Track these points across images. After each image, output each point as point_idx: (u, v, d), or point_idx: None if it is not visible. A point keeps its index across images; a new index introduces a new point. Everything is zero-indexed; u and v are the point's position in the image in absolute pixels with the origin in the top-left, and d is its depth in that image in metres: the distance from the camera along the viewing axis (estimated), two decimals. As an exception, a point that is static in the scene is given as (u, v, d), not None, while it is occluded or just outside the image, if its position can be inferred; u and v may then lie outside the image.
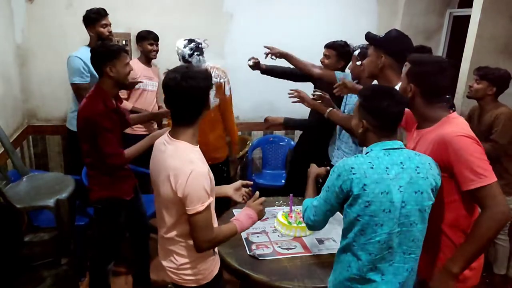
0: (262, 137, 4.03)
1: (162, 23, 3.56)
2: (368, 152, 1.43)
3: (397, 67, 1.97)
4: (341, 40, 2.78)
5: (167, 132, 1.57)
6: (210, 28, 3.69)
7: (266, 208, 2.37)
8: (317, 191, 1.86)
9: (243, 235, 2.07)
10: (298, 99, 2.50)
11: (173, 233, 1.55)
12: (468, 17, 3.17)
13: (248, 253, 1.92)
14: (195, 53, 2.51)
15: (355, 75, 2.63)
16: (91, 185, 2.17)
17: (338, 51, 2.76)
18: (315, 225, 1.56)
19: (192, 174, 1.41)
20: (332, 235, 2.12)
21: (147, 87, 3.30)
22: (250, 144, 3.83)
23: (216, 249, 1.67)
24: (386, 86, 1.61)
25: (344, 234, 1.46)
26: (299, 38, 3.70)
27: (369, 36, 2.04)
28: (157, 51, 3.35)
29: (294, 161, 3.28)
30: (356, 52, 2.60)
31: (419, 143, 1.55)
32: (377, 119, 1.42)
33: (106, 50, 2.06)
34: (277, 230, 2.14)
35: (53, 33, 3.36)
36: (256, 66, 2.88)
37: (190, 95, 1.45)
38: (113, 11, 3.48)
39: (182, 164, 1.44)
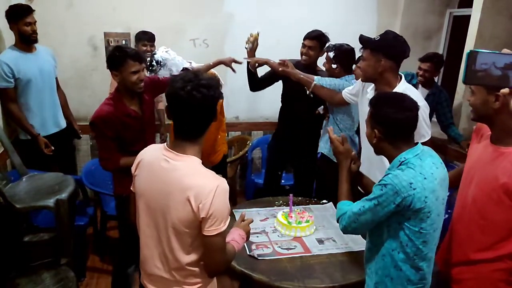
0: (261, 137, 4.02)
1: (162, 23, 3.56)
2: (403, 161, 1.38)
3: (396, 69, 1.99)
4: (318, 30, 2.77)
5: (165, 145, 1.39)
6: (210, 28, 3.69)
7: (266, 208, 2.40)
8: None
9: (243, 235, 2.07)
10: (285, 68, 2.54)
11: (183, 262, 1.36)
12: (468, 17, 3.17)
13: (248, 253, 1.91)
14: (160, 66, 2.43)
15: (331, 75, 2.72)
16: (113, 180, 2.25)
17: (321, 42, 2.75)
18: (354, 232, 1.53)
19: (218, 190, 1.27)
20: (332, 235, 2.12)
21: None
22: (250, 144, 3.83)
23: None
24: (395, 92, 1.56)
25: (397, 249, 1.41)
26: (299, 38, 3.69)
27: (364, 40, 1.99)
28: (151, 52, 3.30)
29: (276, 159, 3.15)
30: (331, 54, 2.63)
31: (500, 161, 1.39)
32: (386, 127, 1.40)
33: (112, 55, 2.01)
34: (277, 230, 2.14)
35: (53, 33, 3.36)
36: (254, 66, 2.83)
37: (202, 106, 1.29)
38: (113, 10, 3.50)
39: (205, 180, 1.28)
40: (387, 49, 1.94)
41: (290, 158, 3.11)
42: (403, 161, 1.38)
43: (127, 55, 1.99)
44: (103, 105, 2.06)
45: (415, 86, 3.16)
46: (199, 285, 1.42)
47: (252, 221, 1.63)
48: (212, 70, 2.64)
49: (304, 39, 2.77)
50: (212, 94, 1.30)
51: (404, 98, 1.45)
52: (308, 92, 2.66)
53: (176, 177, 1.31)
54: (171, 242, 1.35)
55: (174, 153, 1.33)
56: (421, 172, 1.34)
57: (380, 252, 1.46)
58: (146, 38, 3.28)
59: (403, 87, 1.97)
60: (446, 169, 1.45)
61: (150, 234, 1.41)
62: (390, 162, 1.45)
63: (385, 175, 1.39)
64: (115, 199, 2.32)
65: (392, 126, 1.40)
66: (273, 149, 3.16)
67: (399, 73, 2.03)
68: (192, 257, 1.37)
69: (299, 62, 2.79)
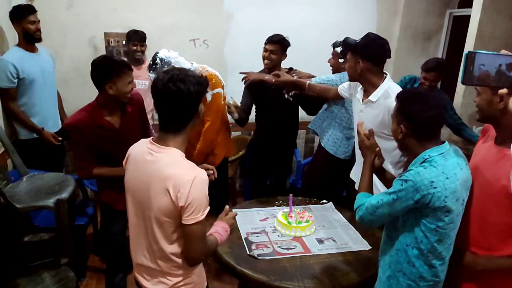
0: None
1: (162, 23, 3.57)
2: (427, 158, 1.37)
3: (376, 70, 2.08)
4: (279, 34, 2.79)
5: (150, 139, 1.44)
6: (210, 28, 3.70)
7: (266, 208, 2.40)
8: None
9: (243, 234, 2.07)
10: (278, 78, 2.57)
11: (167, 252, 1.41)
12: (468, 17, 3.17)
13: (248, 252, 1.92)
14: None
15: (336, 70, 2.79)
16: (96, 185, 2.22)
17: (283, 46, 2.77)
18: (371, 225, 1.52)
19: (195, 180, 1.31)
20: (332, 235, 2.12)
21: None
22: (250, 144, 3.82)
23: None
24: (422, 89, 1.56)
25: (411, 245, 1.42)
26: (298, 38, 3.69)
27: (346, 43, 2.11)
28: (142, 51, 3.33)
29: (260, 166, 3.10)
30: (338, 49, 2.72)
31: (503, 163, 1.38)
32: (412, 124, 1.40)
33: (107, 66, 1.91)
34: (277, 230, 2.14)
35: (53, 34, 3.37)
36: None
37: (178, 100, 1.33)
38: (113, 11, 3.50)
39: (184, 171, 1.33)
40: (363, 51, 2.03)
41: (276, 162, 3.08)
42: (426, 159, 1.37)
43: (124, 65, 1.91)
44: (80, 111, 1.98)
45: None
46: (181, 277, 1.46)
47: (236, 215, 1.65)
48: (212, 71, 2.63)
49: (266, 43, 2.78)
50: (188, 89, 1.32)
51: (430, 95, 1.43)
52: (286, 96, 2.74)
53: (157, 168, 1.36)
54: (155, 232, 1.40)
55: (157, 145, 1.39)
56: (443, 171, 1.33)
57: (395, 246, 1.47)
58: (137, 38, 3.29)
59: (386, 85, 2.06)
60: (470, 170, 1.43)
61: (137, 225, 1.47)
62: (413, 159, 1.44)
63: (407, 171, 1.38)
64: (99, 205, 2.27)
65: (418, 123, 1.39)
66: (258, 157, 3.09)
67: (384, 72, 2.12)
68: (175, 247, 1.41)
69: (264, 69, 2.83)
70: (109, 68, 1.90)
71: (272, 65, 2.77)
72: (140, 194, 1.42)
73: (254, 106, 2.99)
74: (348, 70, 2.14)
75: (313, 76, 2.89)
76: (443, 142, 1.43)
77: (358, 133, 1.66)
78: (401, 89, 2.08)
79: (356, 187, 2.14)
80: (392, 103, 1.96)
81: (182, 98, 1.33)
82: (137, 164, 1.44)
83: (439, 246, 1.39)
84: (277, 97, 2.78)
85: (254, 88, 2.81)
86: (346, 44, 2.14)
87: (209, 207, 1.37)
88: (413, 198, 1.33)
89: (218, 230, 1.54)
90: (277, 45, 2.75)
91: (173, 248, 1.41)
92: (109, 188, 2.11)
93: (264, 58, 2.79)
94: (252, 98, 2.91)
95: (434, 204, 1.32)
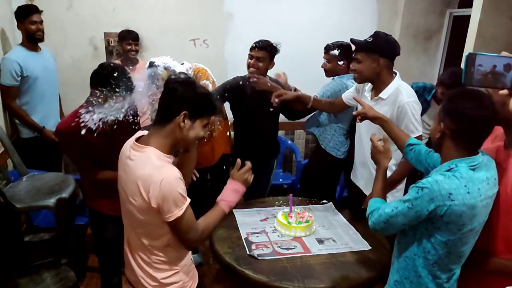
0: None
1: (162, 23, 3.57)
2: (452, 168, 1.28)
3: (391, 67, 2.08)
4: (266, 40, 2.57)
5: (135, 137, 1.47)
6: (210, 28, 3.70)
7: (266, 208, 2.40)
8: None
9: (243, 235, 2.07)
10: (280, 100, 2.46)
11: (150, 247, 1.44)
12: (468, 17, 3.17)
13: (248, 253, 1.91)
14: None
15: (333, 73, 2.69)
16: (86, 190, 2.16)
17: (271, 53, 2.56)
18: (382, 231, 1.46)
19: (163, 181, 1.29)
20: (332, 235, 2.12)
21: None
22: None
23: (192, 261, 1.61)
24: (474, 89, 1.42)
25: (418, 254, 1.38)
26: (299, 38, 3.70)
27: (357, 42, 2.07)
28: (136, 51, 3.34)
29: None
30: (336, 52, 2.62)
31: (511, 167, 1.34)
32: (456, 122, 1.27)
33: (119, 75, 1.86)
34: (277, 230, 2.14)
35: (53, 34, 3.37)
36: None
37: (166, 91, 1.40)
38: (113, 11, 3.51)
39: (151, 171, 1.32)
40: (382, 48, 2.02)
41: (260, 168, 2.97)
42: (452, 168, 1.28)
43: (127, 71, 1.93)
44: (72, 116, 1.90)
45: (428, 102, 2.93)
46: (165, 273, 1.47)
47: (250, 168, 1.57)
48: (203, 66, 2.58)
49: (251, 49, 2.56)
50: (175, 89, 1.36)
51: (483, 96, 1.29)
52: (271, 109, 2.54)
53: (131, 168, 1.38)
54: (136, 228, 1.44)
55: (137, 144, 1.40)
56: (466, 184, 1.24)
57: (404, 253, 1.44)
58: (131, 37, 3.29)
59: (396, 83, 2.06)
60: (498, 187, 1.34)
61: (125, 217, 1.50)
62: (442, 163, 1.37)
63: (426, 177, 1.31)
64: (88, 212, 2.21)
65: (464, 122, 1.27)
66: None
67: (394, 70, 2.12)
68: (158, 242, 1.42)
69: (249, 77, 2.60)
70: (122, 77, 1.87)
71: (259, 73, 2.55)
72: (122, 191, 1.46)
73: (232, 116, 2.84)
74: (364, 70, 2.06)
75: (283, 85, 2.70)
76: (477, 152, 1.32)
77: (372, 141, 1.65)
78: (410, 88, 2.06)
79: (366, 192, 2.14)
80: (403, 100, 1.97)
81: (168, 94, 1.38)
82: (121, 162, 1.47)
83: (447, 259, 1.34)
84: (258, 105, 2.61)
85: (235, 94, 2.61)
86: (359, 44, 2.07)
87: (189, 199, 1.37)
88: (427, 208, 1.26)
89: (225, 196, 1.51)
90: (265, 52, 2.53)
91: (156, 243, 1.43)
92: (96, 195, 2.07)
93: (249, 66, 2.56)
94: (227, 99, 2.67)
95: (449, 217, 1.25)
